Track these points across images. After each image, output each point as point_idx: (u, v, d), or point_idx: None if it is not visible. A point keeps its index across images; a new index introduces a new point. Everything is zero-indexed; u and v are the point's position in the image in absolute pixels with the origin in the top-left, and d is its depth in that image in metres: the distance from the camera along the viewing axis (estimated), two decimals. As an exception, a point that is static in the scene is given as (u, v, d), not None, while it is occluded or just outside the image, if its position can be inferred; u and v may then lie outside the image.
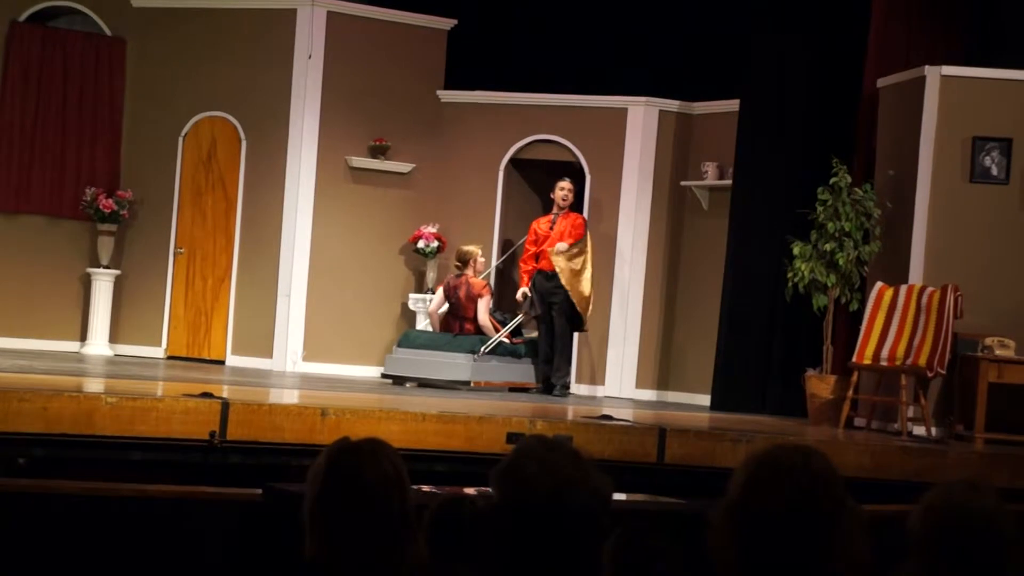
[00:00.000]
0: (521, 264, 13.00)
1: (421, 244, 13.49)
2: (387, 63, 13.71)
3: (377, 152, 13.62)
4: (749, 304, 12.31)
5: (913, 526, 2.99)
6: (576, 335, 13.14)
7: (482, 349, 12.28)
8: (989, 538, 2.93)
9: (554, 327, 12.71)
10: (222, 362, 13.45)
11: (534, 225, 12.98)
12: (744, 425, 9.97)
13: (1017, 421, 10.30)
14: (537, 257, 12.82)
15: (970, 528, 2.93)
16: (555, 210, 12.87)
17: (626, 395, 13.27)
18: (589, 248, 12.74)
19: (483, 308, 12.63)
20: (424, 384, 12.13)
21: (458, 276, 12.72)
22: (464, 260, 12.74)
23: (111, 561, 5.40)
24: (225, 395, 8.11)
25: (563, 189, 12.82)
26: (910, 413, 10.49)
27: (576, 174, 13.39)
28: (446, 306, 12.80)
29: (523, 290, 12.85)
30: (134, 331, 13.69)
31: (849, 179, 11.03)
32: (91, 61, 13.64)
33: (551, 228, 12.80)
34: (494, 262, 13.59)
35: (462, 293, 12.63)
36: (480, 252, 12.85)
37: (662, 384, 13.44)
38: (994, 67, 11.08)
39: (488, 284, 12.86)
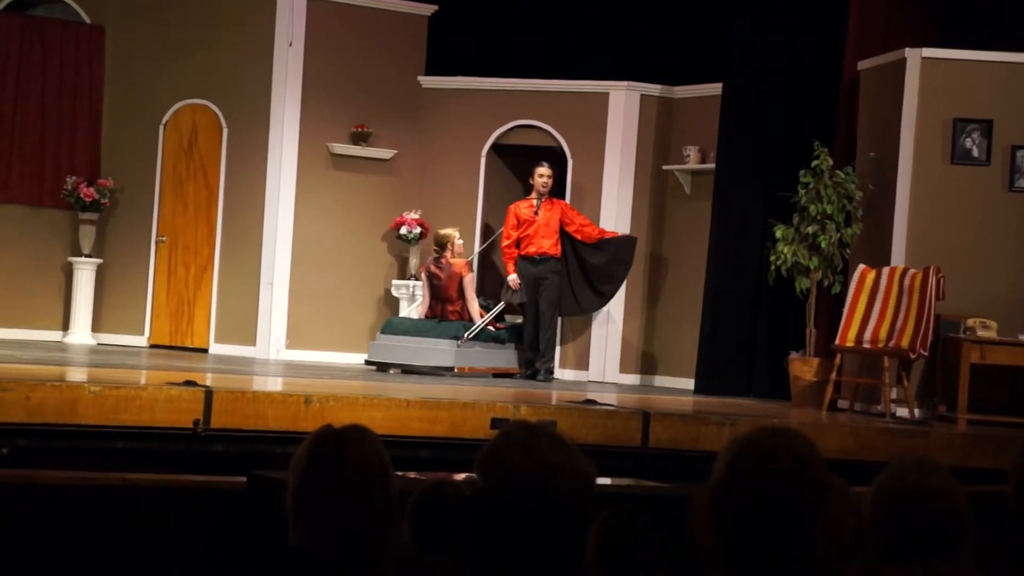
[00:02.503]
0: (504, 250, 12.96)
1: (403, 230, 13.47)
2: (368, 50, 13.69)
3: (359, 139, 13.60)
4: (732, 288, 12.32)
5: (866, 508, 3.00)
6: (560, 320, 13.13)
7: (465, 335, 12.28)
8: (941, 516, 2.94)
9: (539, 312, 12.71)
10: (205, 350, 13.43)
11: (513, 209, 12.93)
12: (728, 408, 9.99)
13: (999, 402, 10.34)
14: (519, 243, 12.80)
15: (922, 506, 2.94)
16: (535, 196, 12.84)
17: (610, 380, 13.28)
18: None
19: (469, 287, 12.62)
20: (408, 370, 12.13)
21: (437, 259, 12.72)
22: (442, 244, 12.74)
23: (95, 550, 5.40)
24: (208, 383, 8.10)
25: (543, 176, 12.79)
26: (893, 395, 10.52)
27: (558, 159, 13.38)
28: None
29: (512, 276, 12.81)
30: (116, 320, 13.66)
31: (831, 162, 11.05)
32: (70, 49, 13.59)
33: (535, 214, 12.77)
34: (476, 248, 13.57)
35: (444, 275, 12.63)
36: (458, 235, 12.83)
37: (646, 368, 13.45)
38: (974, 48, 11.10)
39: (469, 263, 12.85)
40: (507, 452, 2.76)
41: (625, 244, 12.84)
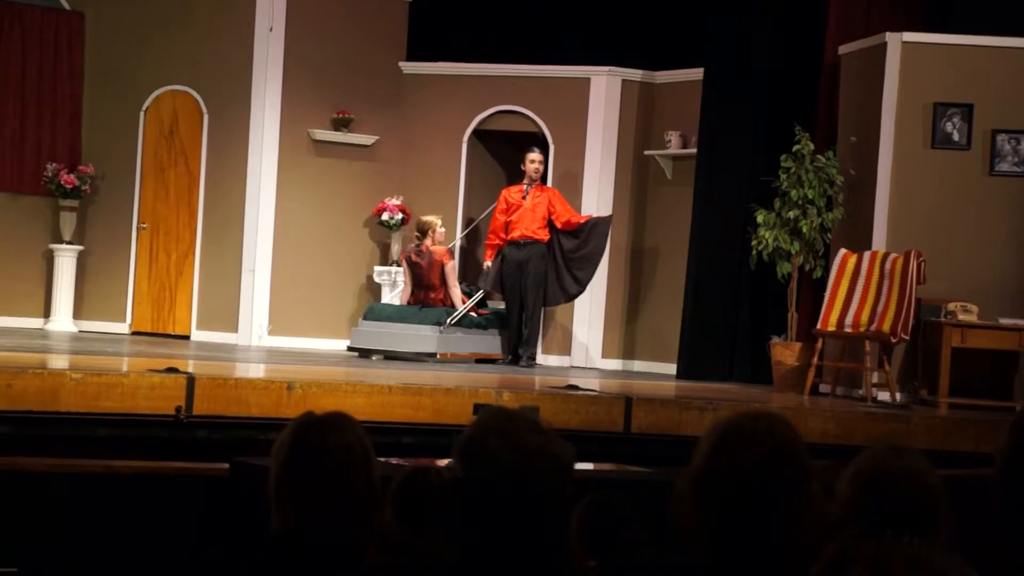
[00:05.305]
0: (489, 234, 12.91)
1: (385, 216, 13.46)
2: (349, 35, 13.65)
3: (340, 124, 13.57)
4: (714, 272, 12.34)
5: (842, 491, 3.02)
6: (544, 308, 13.12)
7: (448, 321, 12.27)
8: (916, 496, 2.96)
9: (525, 298, 12.67)
10: (187, 337, 13.40)
11: (504, 193, 12.88)
12: (710, 393, 10.01)
13: (980, 385, 10.38)
14: (507, 227, 12.77)
15: (897, 486, 2.96)
16: (526, 181, 12.80)
17: (592, 365, 13.29)
18: None
19: (451, 274, 12.59)
20: (390, 356, 12.12)
21: (418, 246, 12.70)
22: (423, 230, 12.71)
23: (78, 538, 5.39)
24: (191, 370, 8.09)
25: (534, 162, 12.74)
26: (874, 379, 10.55)
27: (540, 144, 13.37)
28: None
29: (487, 264, 12.82)
30: (98, 307, 13.62)
31: (812, 146, 11.06)
32: (50, 35, 13.53)
33: (523, 199, 12.72)
34: (458, 235, 13.56)
35: (424, 261, 12.61)
36: (440, 222, 12.80)
37: (628, 354, 13.46)
38: (955, 32, 11.11)
39: (449, 250, 12.83)
40: (484, 438, 2.77)
41: (600, 222, 12.79)
